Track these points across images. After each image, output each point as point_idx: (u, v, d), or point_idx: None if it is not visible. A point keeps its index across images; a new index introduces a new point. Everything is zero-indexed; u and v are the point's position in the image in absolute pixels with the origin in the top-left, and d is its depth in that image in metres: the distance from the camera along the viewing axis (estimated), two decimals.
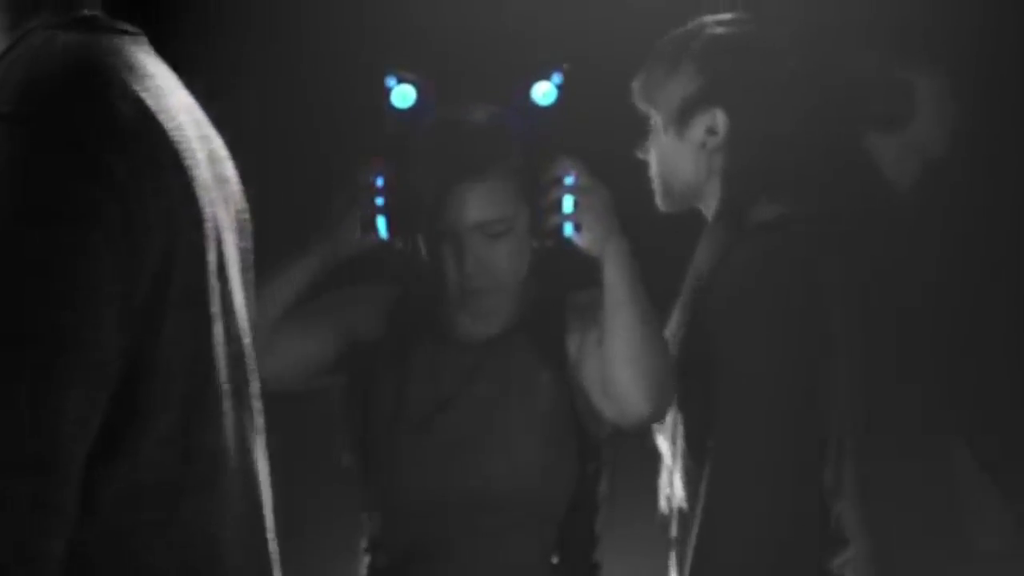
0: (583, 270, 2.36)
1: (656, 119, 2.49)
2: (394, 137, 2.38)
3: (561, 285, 2.47)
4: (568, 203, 2.30)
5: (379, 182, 2.37)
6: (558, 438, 2.37)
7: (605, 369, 2.31)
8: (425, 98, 2.39)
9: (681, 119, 2.45)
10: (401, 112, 2.38)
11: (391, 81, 2.39)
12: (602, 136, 2.47)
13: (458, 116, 2.37)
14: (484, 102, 2.38)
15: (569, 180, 2.30)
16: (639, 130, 2.50)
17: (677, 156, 2.47)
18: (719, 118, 2.44)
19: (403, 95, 2.39)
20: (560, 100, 2.36)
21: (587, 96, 2.40)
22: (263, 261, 1.60)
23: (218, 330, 1.41)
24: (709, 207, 2.49)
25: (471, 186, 2.32)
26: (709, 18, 2.51)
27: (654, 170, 2.51)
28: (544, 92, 2.36)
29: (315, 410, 2.51)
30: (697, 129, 2.45)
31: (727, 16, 2.52)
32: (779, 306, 2.38)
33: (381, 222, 2.36)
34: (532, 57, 2.47)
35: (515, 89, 2.38)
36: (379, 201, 2.36)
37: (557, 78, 2.36)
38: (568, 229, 2.30)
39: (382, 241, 2.37)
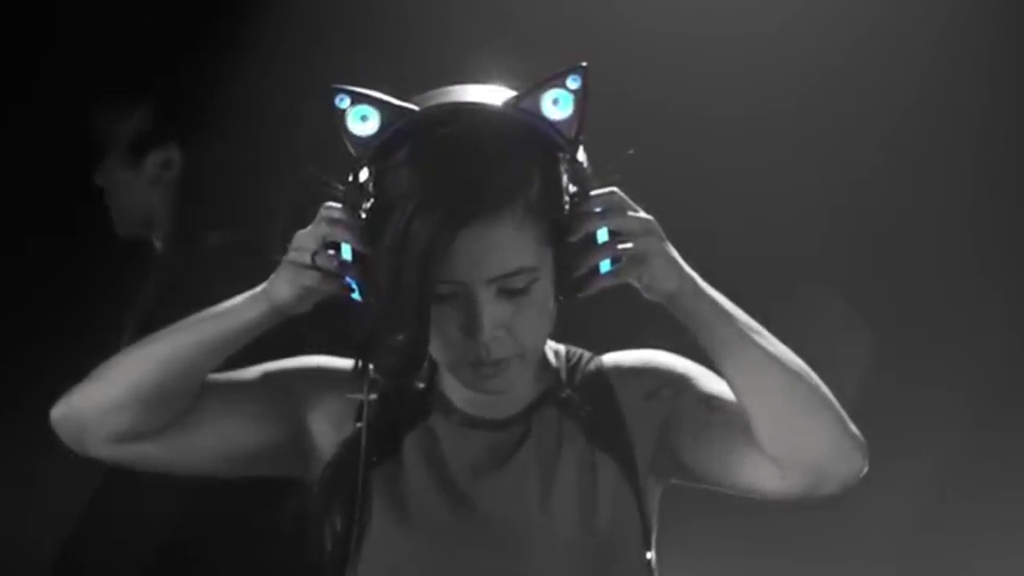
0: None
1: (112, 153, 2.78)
2: (357, 178, 1.82)
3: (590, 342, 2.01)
4: (605, 265, 1.81)
5: (346, 253, 1.81)
6: (621, 549, 1.90)
7: (765, 435, 1.83)
8: (394, 119, 1.80)
9: (135, 154, 2.78)
10: (365, 141, 1.80)
11: (342, 101, 1.80)
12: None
13: (453, 139, 1.78)
14: (481, 116, 1.81)
15: (603, 236, 1.80)
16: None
17: (132, 189, 2.80)
18: (174, 153, 2.78)
19: (362, 118, 1.80)
20: (578, 109, 1.80)
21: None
22: None
23: None
24: (160, 235, 2.81)
25: (482, 231, 1.77)
26: None
27: (110, 199, 2.83)
28: (556, 101, 1.80)
29: None
30: (152, 164, 2.78)
31: None
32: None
33: (355, 293, 1.83)
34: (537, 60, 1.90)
35: (519, 99, 1.81)
36: (348, 281, 1.82)
37: (573, 81, 1.80)
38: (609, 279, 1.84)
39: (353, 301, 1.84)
